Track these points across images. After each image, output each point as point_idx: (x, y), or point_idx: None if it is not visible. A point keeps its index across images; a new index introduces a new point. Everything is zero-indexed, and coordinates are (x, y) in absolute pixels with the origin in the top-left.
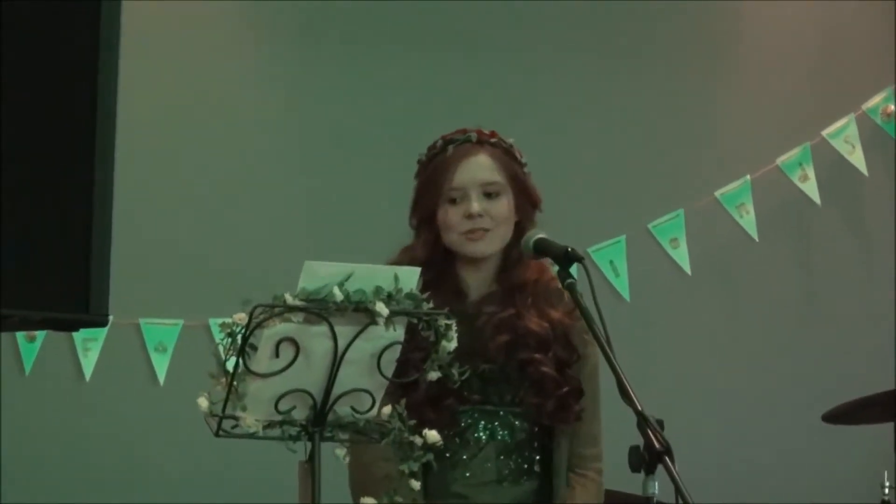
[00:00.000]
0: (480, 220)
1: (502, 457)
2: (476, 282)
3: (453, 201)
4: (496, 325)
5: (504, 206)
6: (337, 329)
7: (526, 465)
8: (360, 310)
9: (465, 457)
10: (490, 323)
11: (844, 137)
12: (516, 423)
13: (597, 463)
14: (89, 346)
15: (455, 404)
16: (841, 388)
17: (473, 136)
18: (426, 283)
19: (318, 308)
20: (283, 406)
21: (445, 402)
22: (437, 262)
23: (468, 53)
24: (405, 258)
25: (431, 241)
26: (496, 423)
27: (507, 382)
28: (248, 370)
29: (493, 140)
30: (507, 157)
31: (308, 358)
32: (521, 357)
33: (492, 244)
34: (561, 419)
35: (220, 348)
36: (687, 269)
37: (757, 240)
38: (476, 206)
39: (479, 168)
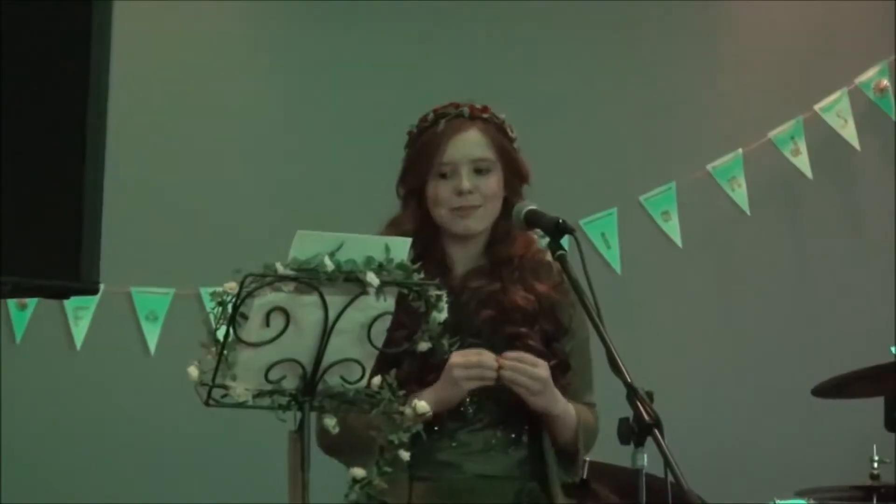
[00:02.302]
0: (470, 197)
1: (489, 428)
2: (462, 257)
3: (443, 176)
4: (481, 300)
5: (494, 182)
6: (328, 299)
7: (514, 435)
8: (350, 280)
9: (451, 426)
10: (475, 298)
11: (837, 112)
12: (502, 396)
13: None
14: (80, 314)
15: (436, 381)
16: (831, 362)
17: (466, 110)
18: (414, 259)
19: (308, 278)
20: (273, 375)
21: (430, 378)
22: (425, 235)
23: (460, 27)
24: (393, 232)
25: (419, 213)
26: (483, 396)
27: None
28: (238, 339)
29: (485, 115)
30: (498, 132)
31: (298, 327)
32: (507, 331)
33: (481, 221)
34: None
35: (211, 317)
36: (678, 241)
37: (748, 213)
38: (466, 182)
39: (471, 144)
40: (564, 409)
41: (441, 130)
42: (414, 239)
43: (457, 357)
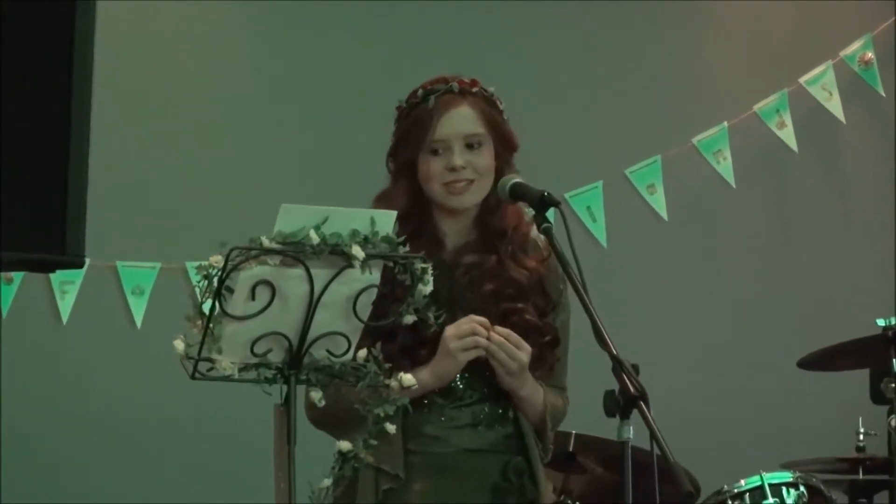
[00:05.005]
0: (463, 172)
1: (477, 402)
2: (454, 230)
3: (435, 152)
4: (479, 275)
5: (486, 156)
6: (313, 272)
7: (500, 411)
8: (336, 253)
9: (440, 401)
10: (470, 273)
11: (822, 84)
12: (491, 371)
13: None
14: (66, 288)
15: (429, 356)
16: (817, 335)
17: (455, 86)
18: (406, 235)
19: (294, 251)
20: (258, 349)
21: (420, 353)
22: (416, 211)
23: (445, 2)
24: (383, 206)
25: (410, 189)
26: (472, 372)
27: None
28: (224, 313)
29: (474, 90)
30: (488, 106)
31: (284, 301)
32: (503, 306)
33: (474, 196)
34: (537, 367)
35: (197, 291)
36: (664, 215)
37: (734, 186)
38: (459, 159)
39: (462, 120)
40: (532, 391)
41: (432, 107)
42: (405, 214)
43: (451, 329)
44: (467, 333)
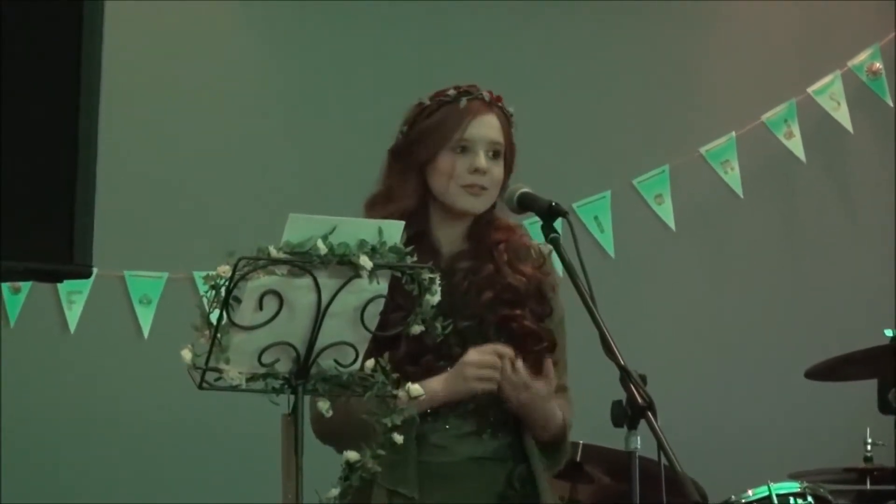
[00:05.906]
0: (482, 178)
1: (481, 410)
2: (448, 239)
3: (461, 151)
4: (478, 282)
5: (501, 169)
6: (321, 282)
7: (504, 419)
8: (343, 263)
9: (444, 410)
10: (468, 278)
11: (830, 94)
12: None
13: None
14: (74, 298)
15: (433, 361)
16: (825, 345)
17: (486, 95)
18: (407, 239)
19: (301, 261)
20: (266, 359)
21: (424, 359)
22: (420, 214)
23: (453, 11)
24: (392, 206)
25: (418, 190)
26: None
27: (485, 339)
28: (231, 323)
29: (500, 104)
30: (508, 124)
31: (292, 311)
32: (501, 313)
33: (485, 203)
34: (535, 372)
35: (204, 301)
36: (672, 225)
37: (742, 196)
38: (484, 162)
39: (491, 127)
40: (543, 418)
41: (463, 108)
42: (409, 217)
43: (473, 355)
44: (487, 365)
